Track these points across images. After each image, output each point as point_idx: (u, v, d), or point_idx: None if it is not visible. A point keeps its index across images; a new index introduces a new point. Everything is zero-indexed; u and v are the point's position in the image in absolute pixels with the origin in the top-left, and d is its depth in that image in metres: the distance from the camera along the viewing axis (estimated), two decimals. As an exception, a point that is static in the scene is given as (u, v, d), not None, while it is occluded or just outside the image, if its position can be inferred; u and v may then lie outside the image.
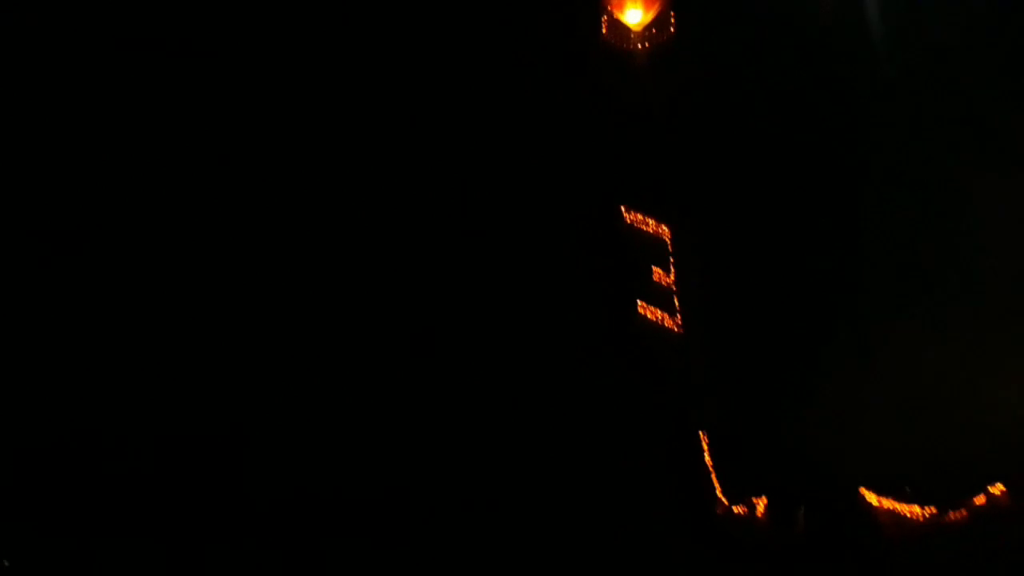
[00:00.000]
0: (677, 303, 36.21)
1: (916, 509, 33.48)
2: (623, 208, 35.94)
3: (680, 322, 35.91)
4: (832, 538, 33.68)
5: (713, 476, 34.31)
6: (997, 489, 32.79)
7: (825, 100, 35.89)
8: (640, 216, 36.26)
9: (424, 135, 35.96)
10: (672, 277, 36.39)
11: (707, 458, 34.56)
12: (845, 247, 36.23)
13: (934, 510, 33.17)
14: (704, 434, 34.86)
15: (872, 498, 34.03)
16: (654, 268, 36.15)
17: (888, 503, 33.97)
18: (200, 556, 30.67)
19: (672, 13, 36.72)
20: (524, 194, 36.07)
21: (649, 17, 36.66)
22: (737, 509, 33.96)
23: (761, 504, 34.10)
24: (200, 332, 32.63)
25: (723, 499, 34.06)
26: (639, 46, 36.99)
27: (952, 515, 32.98)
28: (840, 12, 35.34)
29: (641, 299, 35.57)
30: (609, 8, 36.81)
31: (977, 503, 32.88)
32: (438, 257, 35.22)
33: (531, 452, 33.43)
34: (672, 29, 36.83)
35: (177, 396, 31.97)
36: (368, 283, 34.44)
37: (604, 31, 36.99)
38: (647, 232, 36.40)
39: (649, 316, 35.35)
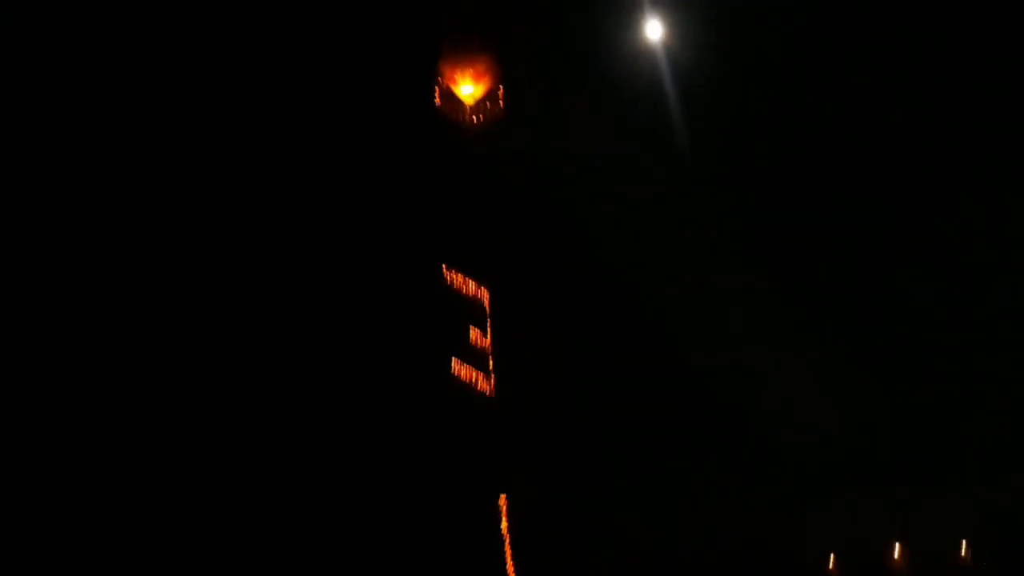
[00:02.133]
0: (491, 366, 37.42)
1: None
2: (444, 268, 37.06)
3: (493, 385, 37.00)
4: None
5: (507, 543, 35.34)
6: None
7: (633, 175, 38.22)
8: (460, 278, 37.51)
9: (261, 189, 36.71)
10: (488, 340, 37.67)
11: (503, 524, 35.63)
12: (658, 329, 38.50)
13: None
14: (504, 498, 35.90)
15: None
16: (472, 329, 37.32)
17: None
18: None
19: (502, 89, 38.62)
20: (350, 248, 37.06)
21: (481, 91, 38.48)
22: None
23: None
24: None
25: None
26: (471, 118, 38.74)
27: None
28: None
29: (457, 357, 36.43)
30: (442, 81, 38.49)
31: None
32: (259, 295, 35.72)
33: (333, 508, 33.79)
34: (502, 103, 38.71)
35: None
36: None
37: (438, 102, 38.62)
38: (466, 294, 37.69)
39: (462, 375, 36.30)
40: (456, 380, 36.39)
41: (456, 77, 38.06)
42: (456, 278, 37.58)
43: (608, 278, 38.90)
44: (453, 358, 36.36)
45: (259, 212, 36.27)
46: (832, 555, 37.32)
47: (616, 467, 37.66)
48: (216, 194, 35.54)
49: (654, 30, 38.47)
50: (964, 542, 35.72)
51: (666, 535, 37.40)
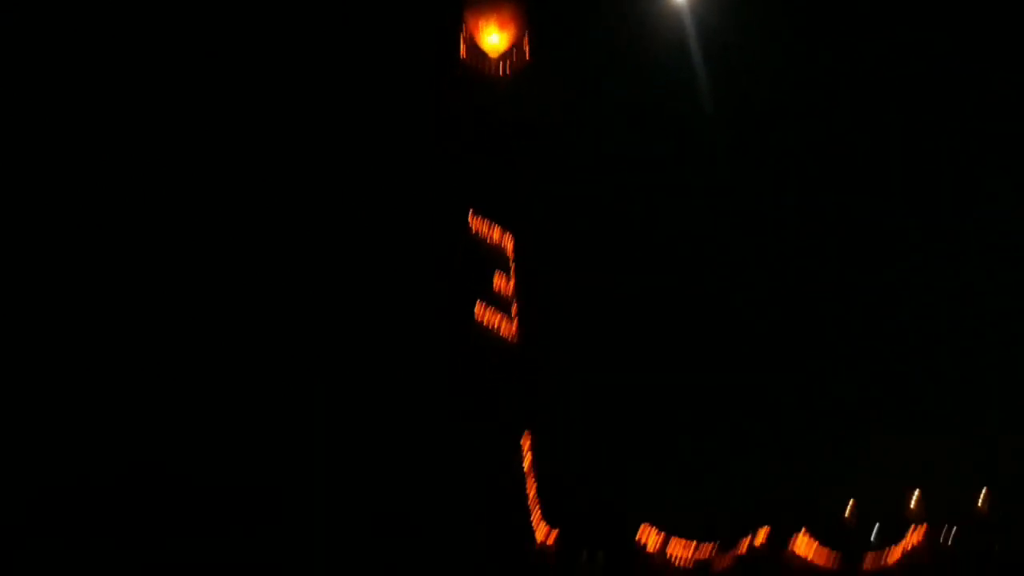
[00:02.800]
0: (514, 311, 37.90)
1: (692, 547, 36.72)
2: (470, 215, 37.57)
3: (515, 330, 37.49)
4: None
5: (530, 481, 35.87)
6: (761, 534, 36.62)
7: (672, 122, 38.61)
8: (486, 225, 38.02)
9: (291, 142, 37.37)
10: (512, 286, 38.13)
11: (527, 462, 36.15)
12: (690, 269, 38.81)
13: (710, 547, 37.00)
14: (528, 435, 36.44)
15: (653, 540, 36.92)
16: (496, 274, 37.80)
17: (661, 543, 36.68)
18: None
19: (527, 40, 39.09)
20: (380, 199, 37.68)
21: (506, 43, 38.94)
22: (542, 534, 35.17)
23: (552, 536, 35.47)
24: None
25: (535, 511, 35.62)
26: (497, 69, 39.21)
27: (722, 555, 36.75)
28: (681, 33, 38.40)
29: (482, 302, 36.95)
30: (468, 32, 38.99)
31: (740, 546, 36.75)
32: (292, 252, 36.42)
33: (358, 448, 34.40)
34: (527, 55, 39.16)
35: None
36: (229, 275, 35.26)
37: (463, 54, 39.14)
38: (491, 241, 38.18)
39: (486, 320, 36.80)
40: (480, 324, 36.77)
41: (481, 27, 38.51)
42: (482, 225, 38.00)
43: (633, 224, 39.36)
44: (478, 302, 36.74)
45: (294, 163, 36.92)
46: (851, 502, 37.62)
47: (636, 411, 37.99)
48: (244, 145, 36.11)
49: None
50: (984, 489, 35.90)
51: (687, 482, 37.78)
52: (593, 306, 38.26)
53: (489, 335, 37.07)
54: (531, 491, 35.85)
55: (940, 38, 38.33)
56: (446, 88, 38.92)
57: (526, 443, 36.43)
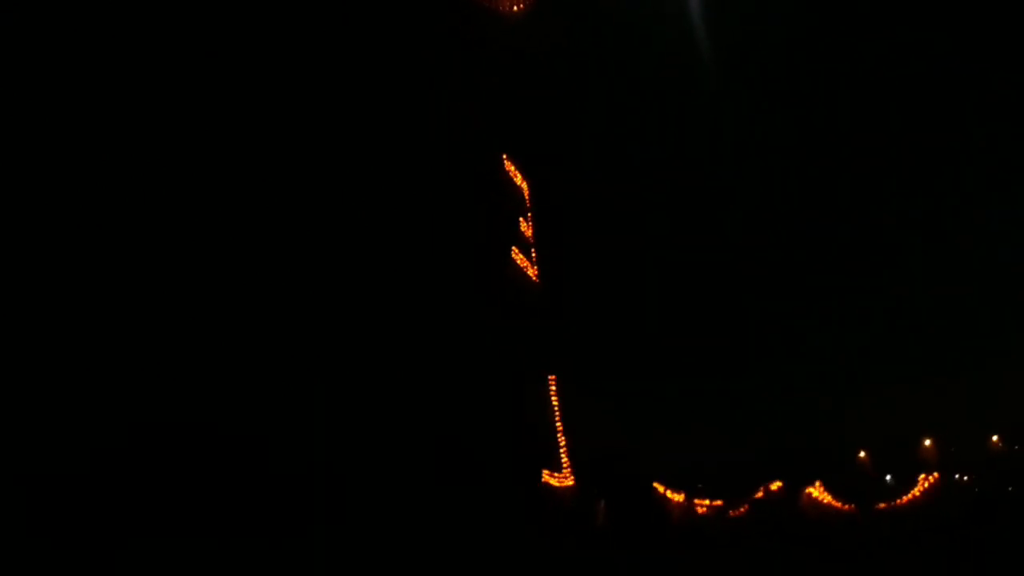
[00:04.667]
0: (534, 255, 36.66)
1: (705, 501, 36.52)
2: (504, 157, 36.08)
3: (537, 273, 36.26)
4: (629, 523, 35.36)
5: (558, 417, 34.73)
6: (775, 485, 36.47)
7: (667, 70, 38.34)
8: (512, 167, 36.63)
9: (325, 86, 34.94)
10: (531, 230, 36.90)
11: (554, 400, 34.98)
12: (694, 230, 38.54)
13: (720, 502, 36.73)
14: (554, 379, 35.29)
15: (663, 490, 36.52)
16: (520, 220, 36.49)
17: (678, 496, 36.42)
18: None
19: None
20: (401, 140, 35.56)
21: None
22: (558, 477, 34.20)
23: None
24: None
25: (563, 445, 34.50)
26: (513, 6, 37.82)
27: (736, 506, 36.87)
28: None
29: (514, 246, 35.56)
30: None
31: (757, 496, 36.75)
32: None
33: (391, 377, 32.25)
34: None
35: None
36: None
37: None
38: (517, 184, 36.82)
39: (519, 263, 35.43)
40: (513, 268, 35.29)
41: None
42: (510, 167, 36.58)
43: (643, 174, 38.86)
44: (512, 248, 35.23)
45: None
46: (864, 452, 38.17)
47: (653, 355, 37.44)
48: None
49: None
50: (995, 436, 37.03)
51: (701, 427, 37.38)
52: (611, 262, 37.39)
53: (515, 277, 35.55)
54: (560, 432, 34.66)
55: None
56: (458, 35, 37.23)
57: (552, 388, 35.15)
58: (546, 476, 33.50)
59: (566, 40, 38.22)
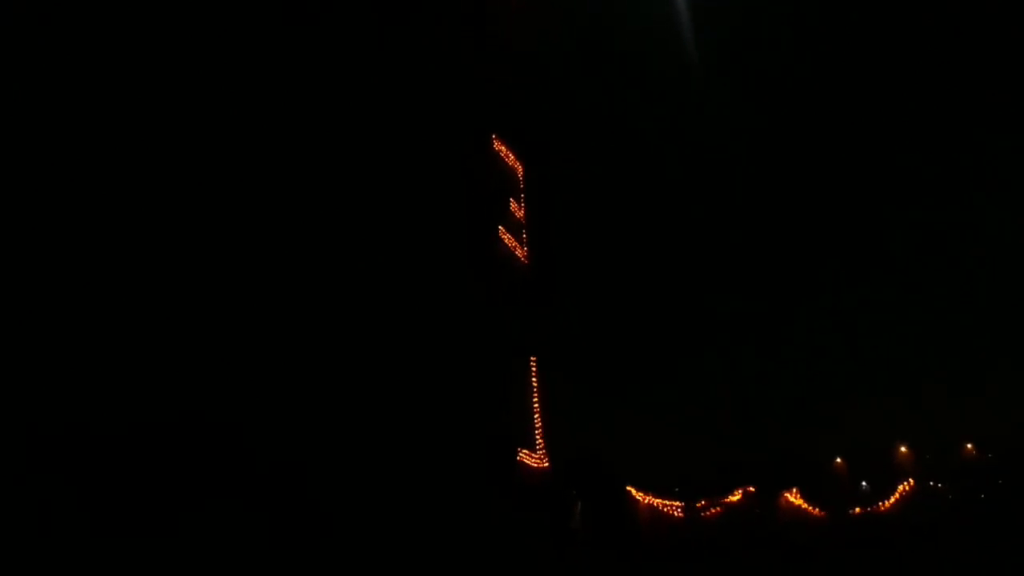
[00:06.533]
0: (525, 236, 36.40)
1: (677, 503, 36.40)
2: (493, 137, 35.92)
3: (526, 254, 35.99)
4: (602, 525, 35.00)
5: (536, 399, 34.25)
6: (751, 489, 36.89)
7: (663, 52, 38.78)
8: (504, 148, 36.45)
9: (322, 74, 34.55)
10: (523, 211, 36.68)
11: (534, 381, 34.59)
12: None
13: (696, 505, 36.75)
14: (535, 360, 34.93)
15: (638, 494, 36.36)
16: (511, 200, 36.25)
17: (649, 498, 36.23)
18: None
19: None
20: (399, 126, 35.23)
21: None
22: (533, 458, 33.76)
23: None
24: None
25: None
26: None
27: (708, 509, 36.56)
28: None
29: (501, 226, 35.25)
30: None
31: (732, 500, 36.62)
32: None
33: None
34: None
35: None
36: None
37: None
38: (508, 164, 36.61)
39: (506, 242, 35.10)
40: (502, 247, 34.96)
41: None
42: (500, 147, 36.42)
43: (638, 153, 39.01)
44: (500, 227, 34.92)
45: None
46: (840, 459, 38.11)
47: (635, 355, 37.27)
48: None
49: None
50: (969, 444, 37.28)
51: (680, 430, 37.23)
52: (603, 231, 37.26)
53: (504, 258, 35.22)
54: (537, 414, 34.20)
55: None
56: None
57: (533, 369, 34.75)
58: (521, 455, 33.04)
59: (563, 27, 38.50)
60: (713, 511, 37.21)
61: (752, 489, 37.37)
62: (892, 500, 36.77)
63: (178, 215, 30.95)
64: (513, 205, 36.31)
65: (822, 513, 37.39)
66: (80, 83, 30.24)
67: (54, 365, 27.39)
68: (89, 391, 27.82)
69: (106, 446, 27.49)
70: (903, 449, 37.63)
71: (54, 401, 27.22)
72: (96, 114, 30.41)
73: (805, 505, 37.46)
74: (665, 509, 36.74)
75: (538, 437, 34.36)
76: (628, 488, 36.54)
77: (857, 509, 37.33)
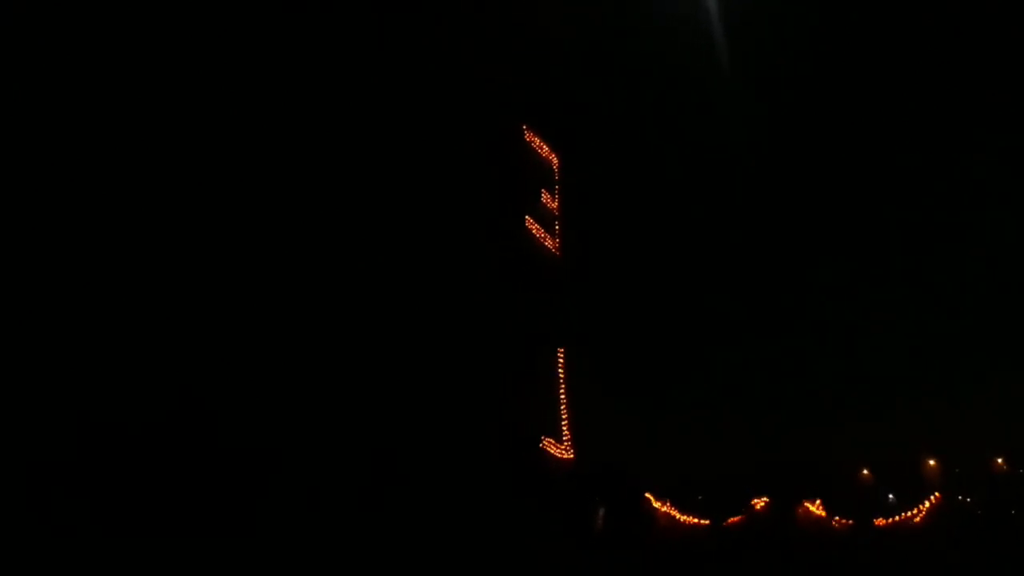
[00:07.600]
0: (558, 228, 36.20)
1: (695, 518, 36.02)
2: (524, 127, 35.83)
3: (558, 245, 35.78)
4: (623, 530, 34.56)
5: (563, 390, 33.87)
6: (761, 501, 35.99)
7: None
8: (537, 139, 36.35)
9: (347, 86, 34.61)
10: (556, 203, 36.50)
11: (561, 372, 34.27)
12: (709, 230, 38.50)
13: (719, 515, 36.41)
14: (563, 351, 34.65)
15: (655, 503, 35.97)
16: (543, 191, 36.11)
17: (667, 507, 35.79)
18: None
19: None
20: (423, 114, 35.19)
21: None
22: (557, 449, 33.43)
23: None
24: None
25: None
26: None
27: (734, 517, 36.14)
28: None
29: (529, 216, 35.05)
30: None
31: (756, 509, 36.20)
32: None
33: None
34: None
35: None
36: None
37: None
38: (541, 156, 36.50)
39: (534, 233, 34.91)
40: (528, 238, 34.75)
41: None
42: (532, 138, 36.30)
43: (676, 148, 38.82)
44: (527, 217, 34.73)
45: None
46: (867, 470, 37.48)
47: (663, 360, 36.95)
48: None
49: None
50: (1000, 458, 36.53)
51: (707, 439, 36.83)
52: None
53: (534, 249, 35.01)
54: (563, 405, 33.89)
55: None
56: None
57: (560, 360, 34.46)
58: (545, 443, 32.71)
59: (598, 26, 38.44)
60: (735, 519, 36.68)
61: (776, 499, 36.77)
62: (919, 513, 36.07)
63: (210, 210, 30.82)
64: (545, 196, 36.17)
65: (847, 523, 36.74)
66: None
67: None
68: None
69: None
70: (931, 462, 36.93)
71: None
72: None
73: (829, 515, 36.86)
74: (686, 522, 36.31)
75: (564, 427, 34.02)
76: (647, 495, 36.21)
77: (881, 520, 36.63)
